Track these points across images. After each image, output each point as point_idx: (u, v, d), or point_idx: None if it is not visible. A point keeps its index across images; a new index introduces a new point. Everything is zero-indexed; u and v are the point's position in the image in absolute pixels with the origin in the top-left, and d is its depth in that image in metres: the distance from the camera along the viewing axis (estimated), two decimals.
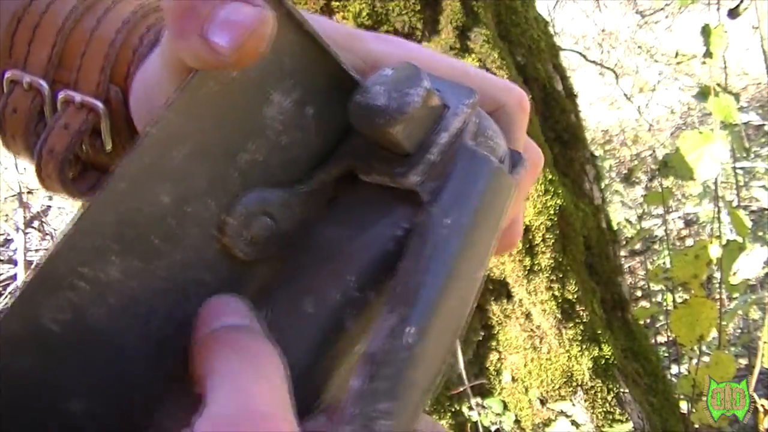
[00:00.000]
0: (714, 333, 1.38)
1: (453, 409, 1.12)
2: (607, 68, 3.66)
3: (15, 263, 2.31)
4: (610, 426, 1.09)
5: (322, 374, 0.25)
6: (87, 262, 0.23)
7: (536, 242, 1.08)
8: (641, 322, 1.55)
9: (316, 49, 0.26)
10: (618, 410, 1.10)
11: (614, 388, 1.11)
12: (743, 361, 2.02)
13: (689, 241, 2.89)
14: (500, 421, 1.11)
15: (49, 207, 2.83)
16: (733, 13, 1.54)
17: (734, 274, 1.30)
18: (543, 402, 1.11)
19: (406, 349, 0.23)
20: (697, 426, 1.32)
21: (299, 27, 0.25)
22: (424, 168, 0.25)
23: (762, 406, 1.24)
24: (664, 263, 2.32)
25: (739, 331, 2.26)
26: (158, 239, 0.24)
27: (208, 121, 0.24)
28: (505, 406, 1.13)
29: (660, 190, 1.51)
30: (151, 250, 0.24)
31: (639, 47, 4.49)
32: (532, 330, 1.11)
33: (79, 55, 0.29)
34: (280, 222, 0.26)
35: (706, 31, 1.27)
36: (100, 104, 0.28)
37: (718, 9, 1.48)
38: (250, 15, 0.22)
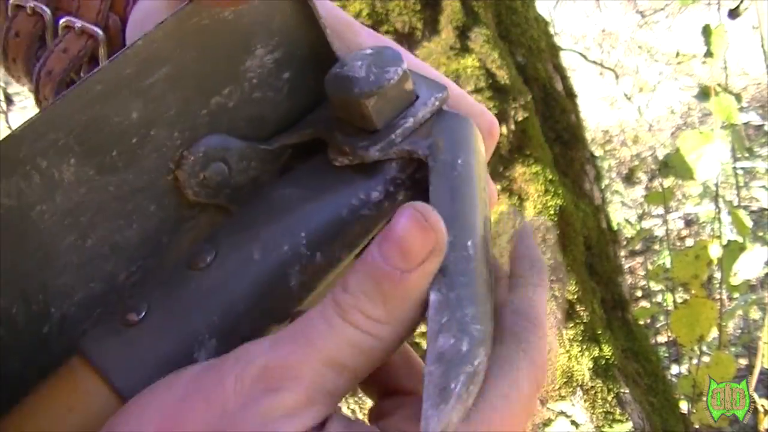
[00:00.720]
0: (714, 333, 1.38)
1: None
2: (607, 68, 3.66)
3: None
4: (610, 426, 1.09)
5: (256, 325, 0.24)
6: (46, 155, 0.23)
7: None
8: (641, 322, 1.55)
9: (307, 17, 0.26)
10: (618, 410, 1.10)
11: (614, 388, 1.11)
12: (743, 361, 2.02)
13: (689, 241, 2.89)
14: None
15: None
16: (734, 13, 1.54)
17: (735, 274, 1.30)
18: (543, 402, 1.11)
19: (468, 260, 0.23)
20: (697, 426, 1.32)
21: None
22: (384, 146, 0.26)
23: (762, 406, 1.24)
24: (664, 263, 2.32)
25: (739, 331, 2.26)
26: (117, 153, 0.25)
27: (191, 53, 0.25)
28: None
29: (660, 190, 1.51)
30: (108, 163, 0.24)
31: (639, 47, 4.49)
32: None
33: None
34: (234, 172, 0.27)
35: (706, 31, 1.27)
36: (99, 31, 0.29)
37: (718, 9, 1.48)
38: None
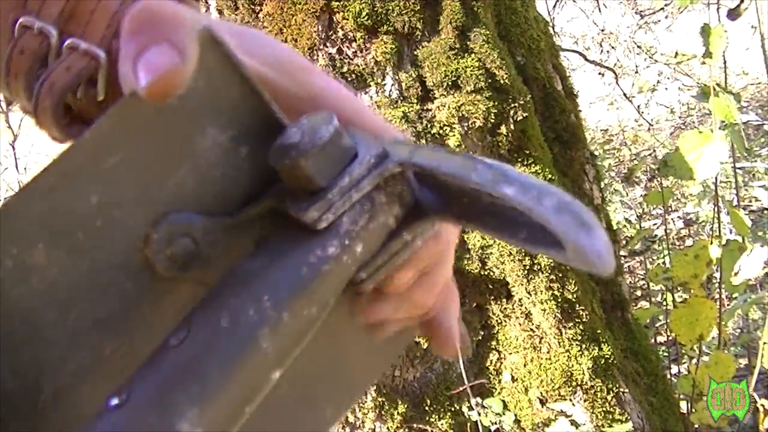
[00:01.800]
0: (714, 333, 1.38)
1: (453, 409, 1.12)
2: (607, 68, 3.66)
3: None
4: (610, 426, 1.09)
5: (236, 394, 0.25)
6: (14, 243, 0.25)
7: None
8: (641, 322, 1.55)
9: (252, 93, 0.28)
10: (618, 410, 1.10)
11: (614, 388, 1.11)
12: (743, 361, 2.02)
13: (689, 241, 2.89)
14: (500, 421, 1.11)
15: None
16: (733, 13, 1.54)
17: (736, 274, 1.30)
18: (543, 402, 1.11)
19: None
20: (697, 426, 1.32)
21: (236, 70, 0.27)
22: (322, 205, 0.27)
23: (762, 406, 1.24)
24: (664, 263, 2.32)
25: (739, 331, 2.26)
26: (83, 235, 0.26)
27: (142, 138, 0.26)
28: (505, 406, 1.13)
29: (660, 189, 1.51)
30: (77, 245, 0.26)
31: (639, 47, 4.49)
32: (532, 330, 1.11)
33: (89, 12, 0.31)
34: (202, 246, 0.28)
35: (705, 31, 1.27)
36: (102, 53, 0.30)
37: (718, 9, 1.48)
38: (166, 62, 0.25)
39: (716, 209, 1.42)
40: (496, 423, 1.11)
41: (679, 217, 3.08)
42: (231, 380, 0.25)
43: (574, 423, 1.09)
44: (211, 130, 0.27)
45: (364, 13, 1.03)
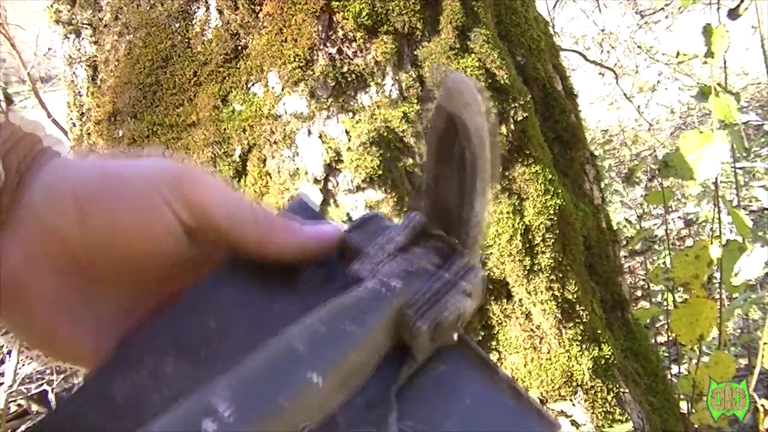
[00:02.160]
0: (714, 333, 1.38)
1: None
2: (607, 68, 3.66)
3: None
4: (610, 426, 1.09)
5: None
6: (152, 354, 0.32)
7: (536, 242, 1.08)
8: (641, 323, 1.55)
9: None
10: (618, 410, 1.10)
11: (614, 388, 1.11)
12: (743, 361, 2.02)
13: (689, 241, 2.89)
14: None
15: None
16: (733, 13, 1.54)
17: (736, 274, 1.30)
18: (543, 402, 1.11)
19: None
20: (697, 426, 1.32)
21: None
22: (362, 258, 0.35)
23: (762, 406, 1.24)
24: (664, 263, 2.32)
25: (739, 331, 2.26)
26: (204, 352, 0.33)
27: (251, 276, 0.35)
28: None
29: (660, 189, 1.51)
30: (199, 359, 0.32)
31: (639, 47, 4.49)
32: (532, 330, 1.11)
33: None
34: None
35: (707, 31, 1.27)
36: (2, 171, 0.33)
37: (718, 9, 1.48)
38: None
39: (716, 209, 1.42)
40: None
41: (679, 217, 3.08)
42: None
43: (574, 423, 1.09)
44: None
45: (364, 13, 1.03)
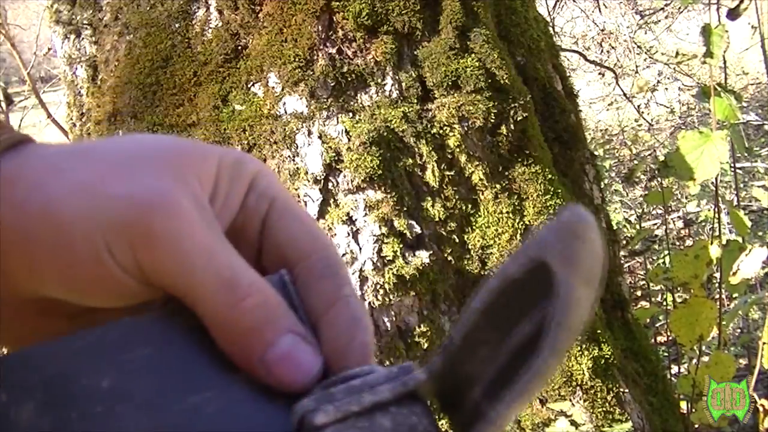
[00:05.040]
0: (714, 333, 1.38)
1: None
2: (607, 68, 3.66)
3: None
4: (610, 426, 1.09)
5: None
6: (10, 391, 0.24)
7: None
8: (641, 322, 1.55)
9: None
10: (618, 410, 1.10)
11: (614, 388, 1.11)
12: (743, 361, 2.02)
13: (689, 241, 2.89)
14: None
15: None
16: (733, 13, 1.54)
17: (734, 274, 1.30)
18: (543, 402, 1.11)
19: None
20: (697, 426, 1.32)
21: None
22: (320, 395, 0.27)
23: (762, 406, 1.24)
24: (664, 263, 2.32)
25: (739, 331, 2.26)
26: (77, 415, 0.24)
27: (176, 347, 0.27)
28: None
29: (660, 189, 1.51)
30: (66, 420, 0.24)
31: (639, 47, 4.49)
32: None
33: None
34: None
35: (706, 31, 1.27)
36: None
37: (718, 9, 1.48)
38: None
39: (716, 209, 1.42)
40: None
41: (679, 217, 3.08)
42: None
43: (574, 423, 1.09)
44: None
45: (364, 13, 1.03)
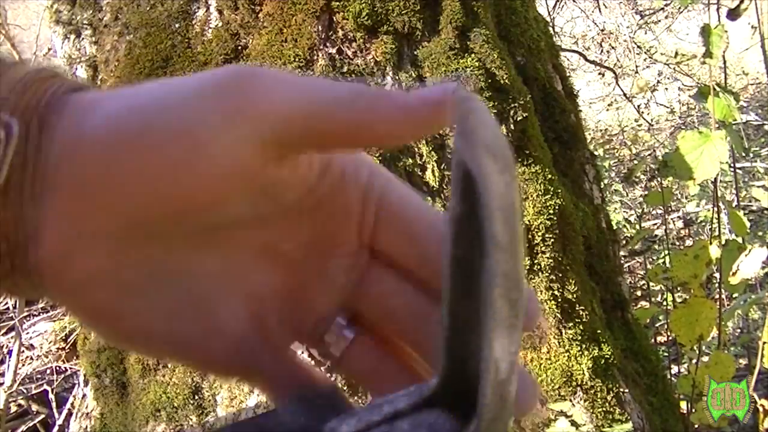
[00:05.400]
0: (714, 333, 1.38)
1: None
2: (607, 68, 3.66)
3: None
4: (610, 426, 1.09)
5: None
6: None
7: (536, 242, 1.08)
8: (641, 322, 1.55)
9: None
10: (618, 410, 1.10)
11: (614, 388, 1.11)
12: (743, 361, 2.02)
13: (689, 241, 2.89)
14: None
15: None
16: (733, 13, 1.54)
17: (734, 274, 1.30)
18: (543, 402, 1.11)
19: None
20: (697, 426, 1.32)
21: None
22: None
23: (762, 406, 1.24)
24: (664, 263, 2.32)
25: (739, 331, 2.26)
26: None
27: None
28: None
29: (660, 190, 1.51)
30: None
31: (639, 47, 4.49)
32: (532, 330, 1.11)
33: None
34: None
35: (706, 31, 1.27)
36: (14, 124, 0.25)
37: (717, 9, 1.48)
38: None
39: (716, 209, 1.42)
40: None
41: (679, 217, 3.08)
42: None
43: (574, 423, 1.09)
44: None
45: (364, 13, 1.03)
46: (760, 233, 2.77)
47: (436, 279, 0.26)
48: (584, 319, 1.11)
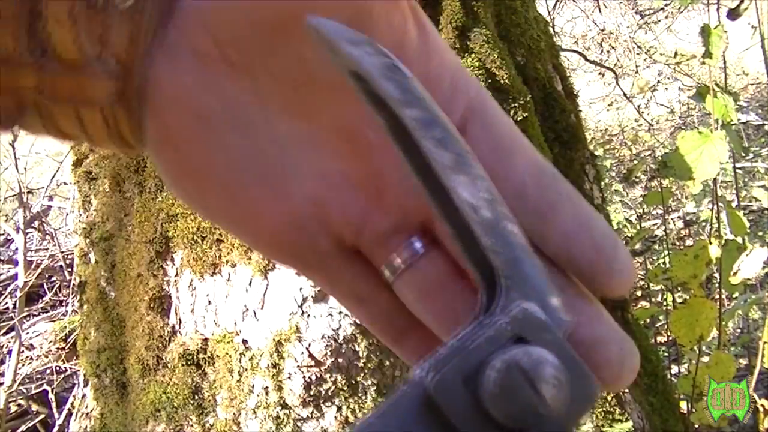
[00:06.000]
0: (714, 333, 1.38)
1: None
2: (607, 68, 3.66)
3: (15, 263, 2.31)
4: (610, 426, 1.09)
5: None
6: None
7: None
8: (641, 322, 1.55)
9: None
10: (618, 410, 1.10)
11: None
12: (743, 361, 2.02)
13: (689, 241, 2.89)
14: None
15: (49, 207, 2.83)
16: (733, 13, 1.54)
17: (734, 274, 1.30)
18: None
19: None
20: (697, 426, 1.32)
21: None
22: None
23: (762, 406, 1.24)
24: (664, 263, 2.32)
25: (739, 331, 2.26)
26: None
27: None
28: None
29: (660, 190, 1.51)
30: None
31: (639, 47, 4.49)
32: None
33: None
34: None
35: (705, 32, 1.27)
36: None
37: (717, 9, 1.48)
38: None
39: (716, 209, 1.42)
40: None
41: (679, 217, 3.08)
42: None
43: None
44: None
45: None
46: (760, 233, 2.77)
47: (510, 201, 0.24)
48: None
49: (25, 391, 1.97)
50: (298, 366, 0.97)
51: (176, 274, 1.06)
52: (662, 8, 4.40)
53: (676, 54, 4.26)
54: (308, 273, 0.29)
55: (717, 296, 1.52)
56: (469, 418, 0.22)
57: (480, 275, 0.24)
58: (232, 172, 0.26)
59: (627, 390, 1.13)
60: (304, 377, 0.97)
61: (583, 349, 0.24)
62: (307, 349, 0.99)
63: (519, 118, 1.09)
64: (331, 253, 0.28)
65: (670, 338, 1.95)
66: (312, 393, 0.98)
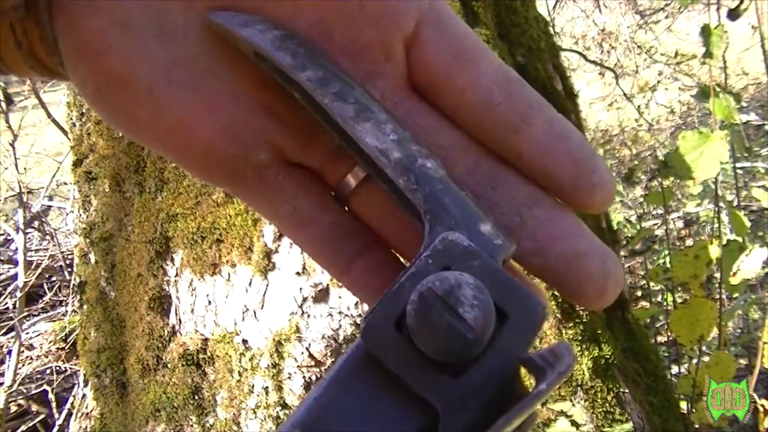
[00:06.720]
0: (714, 333, 1.38)
1: None
2: (607, 68, 3.66)
3: (15, 263, 2.31)
4: (610, 426, 1.09)
5: None
6: None
7: None
8: (641, 322, 1.55)
9: None
10: (618, 410, 1.10)
11: (614, 388, 1.11)
12: (743, 361, 2.02)
13: (689, 241, 2.89)
14: None
15: (49, 207, 2.83)
16: (733, 13, 1.54)
17: (734, 274, 1.30)
18: (543, 402, 1.11)
19: None
20: (697, 426, 1.32)
21: None
22: None
23: (762, 406, 1.24)
24: (664, 263, 2.32)
25: (739, 331, 2.26)
26: None
27: None
28: None
29: (660, 190, 1.51)
30: None
31: (639, 47, 4.49)
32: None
33: None
34: None
35: (706, 32, 1.27)
36: None
37: (718, 9, 1.48)
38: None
39: (716, 209, 1.42)
40: None
41: (679, 217, 3.08)
42: None
43: (574, 423, 1.09)
44: None
45: None
46: (761, 233, 2.77)
47: (478, 113, 0.24)
48: (584, 319, 1.11)
49: (25, 391, 1.97)
50: (298, 366, 0.97)
51: (176, 274, 1.06)
52: (662, 8, 4.40)
53: (676, 54, 4.26)
54: (244, 192, 0.27)
55: (717, 296, 1.52)
56: (403, 360, 0.21)
57: (414, 216, 0.23)
58: (158, 81, 0.24)
59: (627, 390, 1.13)
60: (304, 377, 0.97)
61: (563, 264, 0.23)
62: (307, 349, 0.99)
63: None
64: (270, 167, 0.26)
65: (670, 338, 1.95)
66: None
